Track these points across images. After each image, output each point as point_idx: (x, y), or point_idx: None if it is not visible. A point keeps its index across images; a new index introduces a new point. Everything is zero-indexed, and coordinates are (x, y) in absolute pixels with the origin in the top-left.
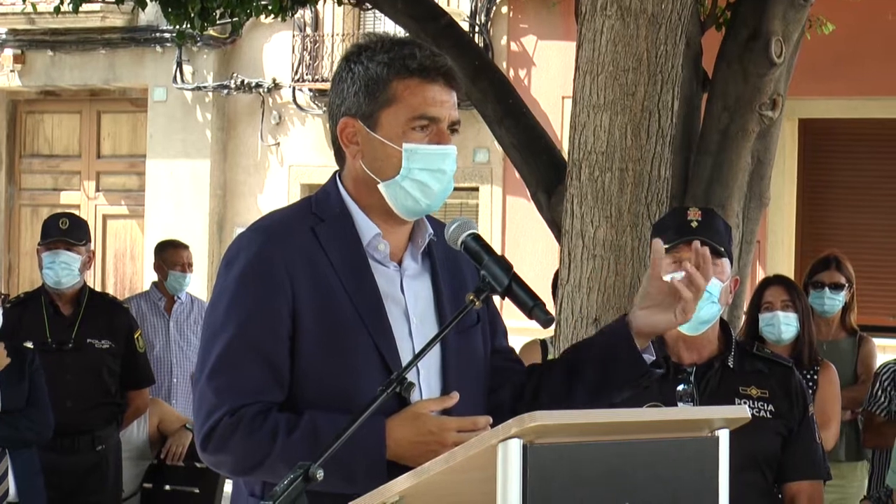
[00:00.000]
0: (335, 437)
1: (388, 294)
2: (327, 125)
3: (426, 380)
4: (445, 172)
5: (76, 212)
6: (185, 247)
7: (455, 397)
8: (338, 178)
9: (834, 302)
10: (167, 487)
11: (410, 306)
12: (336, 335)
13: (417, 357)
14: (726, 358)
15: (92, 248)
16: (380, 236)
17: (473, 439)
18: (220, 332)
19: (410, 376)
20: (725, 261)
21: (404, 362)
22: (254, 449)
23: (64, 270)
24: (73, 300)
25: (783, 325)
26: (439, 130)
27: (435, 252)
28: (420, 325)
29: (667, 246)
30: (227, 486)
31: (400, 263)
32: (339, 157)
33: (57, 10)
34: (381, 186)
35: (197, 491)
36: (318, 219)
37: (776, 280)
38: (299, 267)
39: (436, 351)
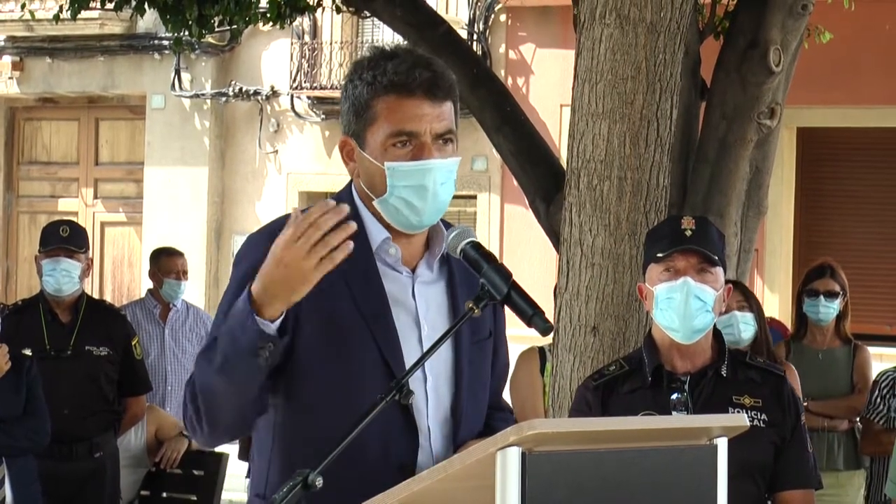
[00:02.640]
0: (337, 442)
1: (399, 300)
2: (326, 133)
3: (434, 387)
4: (428, 189)
5: (74, 219)
6: (180, 254)
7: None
8: (353, 185)
9: (829, 310)
10: (164, 495)
11: (422, 313)
12: (339, 339)
13: (417, 364)
14: (720, 367)
15: (91, 255)
16: (389, 240)
17: (472, 448)
18: (216, 332)
19: (416, 383)
20: (719, 269)
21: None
22: (201, 385)
23: (64, 278)
24: (72, 307)
25: (741, 324)
26: (420, 145)
27: (453, 260)
28: (431, 331)
29: (661, 255)
30: (225, 494)
31: (414, 270)
32: None
33: (56, 17)
34: (375, 203)
35: (195, 498)
36: None
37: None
38: None
39: (447, 358)
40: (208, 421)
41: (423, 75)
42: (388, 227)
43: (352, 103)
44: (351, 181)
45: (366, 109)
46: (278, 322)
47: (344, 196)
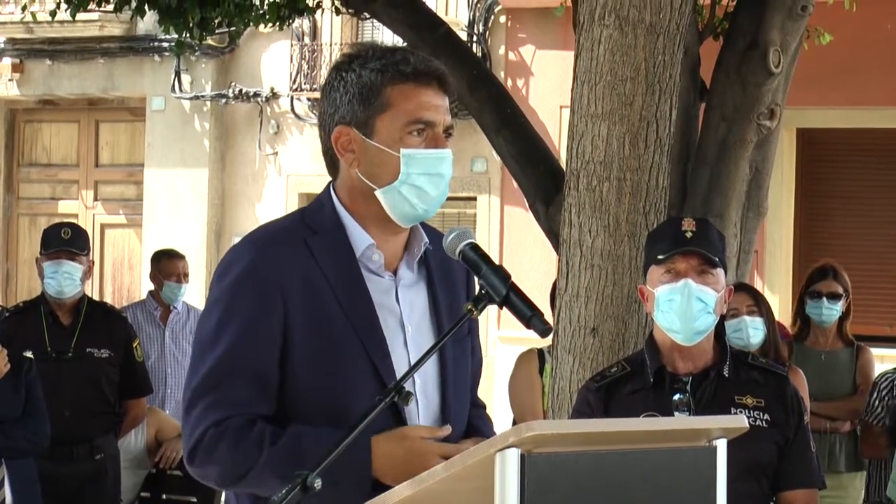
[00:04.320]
0: (331, 448)
1: (383, 304)
2: None
3: (423, 389)
4: (443, 176)
5: (74, 221)
6: (181, 257)
7: (448, 430)
8: (332, 189)
9: (832, 312)
10: (165, 496)
11: (406, 315)
12: (329, 348)
13: (415, 367)
14: (721, 367)
15: (92, 257)
16: (373, 246)
17: (472, 448)
18: (210, 346)
19: (406, 386)
20: (720, 271)
21: (399, 372)
22: (239, 459)
23: (66, 280)
24: (73, 309)
25: (751, 328)
26: (435, 135)
27: (431, 260)
28: (416, 334)
29: (661, 256)
30: (226, 495)
31: (395, 273)
32: (333, 167)
33: (53, 14)
34: (378, 193)
35: (195, 500)
36: (311, 230)
37: (739, 287)
38: (291, 279)
39: (432, 360)
40: (233, 482)
41: (438, 67)
42: (372, 230)
43: (357, 91)
44: (328, 186)
45: (376, 96)
46: None
47: (324, 202)
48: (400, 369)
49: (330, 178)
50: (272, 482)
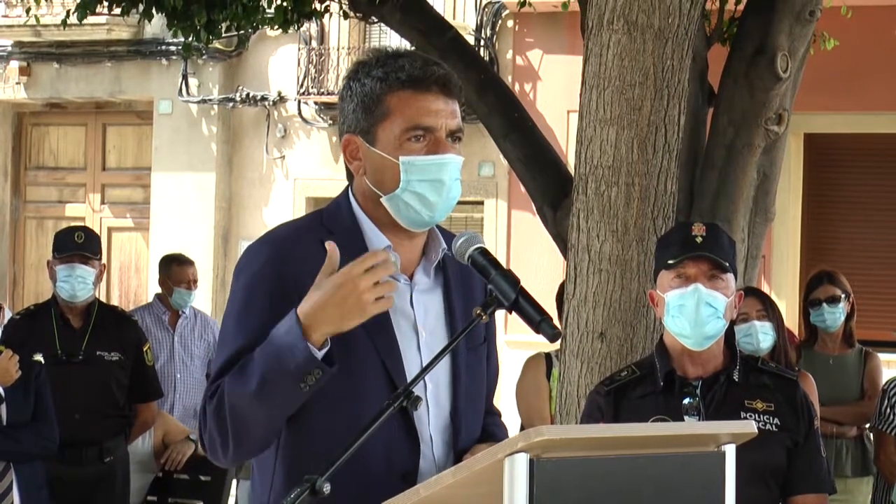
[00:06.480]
0: (344, 449)
1: (397, 308)
2: (333, 138)
3: (434, 394)
4: (444, 183)
5: (81, 224)
6: (191, 263)
7: (384, 255)
8: (350, 192)
9: (835, 315)
10: (171, 500)
11: (420, 320)
12: (340, 349)
13: (424, 371)
14: (731, 372)
15: (104, 261)
16: (390, 248)
17: (480, 453)
18: (227, 342)
19: (417, 390)
20: (730, 276)
21: (410, 376)
22: (231, 400)
23: (80, 284)
24: (84, 313)
25: (760, 333)
26: (436, 140)
27: (449, 266)
28: (429, 338)
29: (671, 261)
30: (232, 500)
31: (411, 277)
32: (350, 172)
33: (63, 22)
34: (383, 200)
35: (201, 503)
36: (328, 231)
37: (749, 291)
38: (305, 279)
39: (445, 365)
40: (235, 440)
41: (437, 72)
42: (388, 234)
43: (360, 100)
44: (346, 188)
45: (377, 105)
46: (324, 350)
47: (342, 204)
48: (412, 373)
49: (337, 181)
50: (261, 411)
